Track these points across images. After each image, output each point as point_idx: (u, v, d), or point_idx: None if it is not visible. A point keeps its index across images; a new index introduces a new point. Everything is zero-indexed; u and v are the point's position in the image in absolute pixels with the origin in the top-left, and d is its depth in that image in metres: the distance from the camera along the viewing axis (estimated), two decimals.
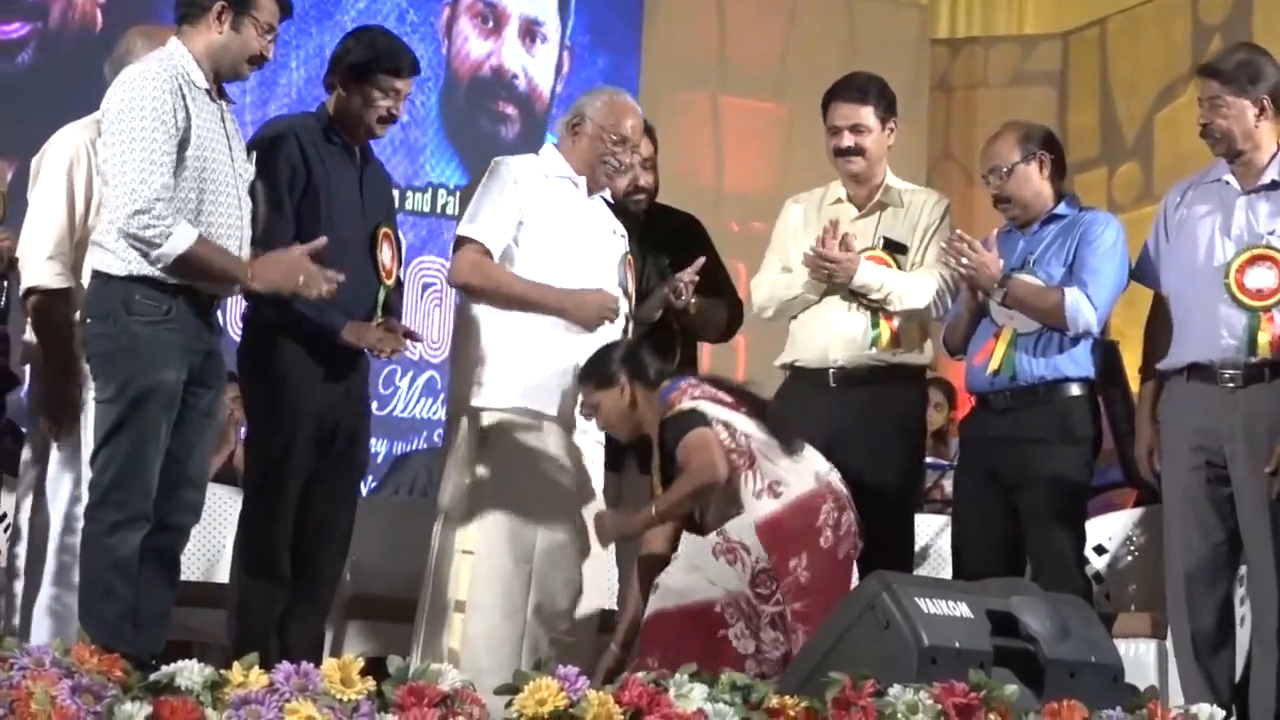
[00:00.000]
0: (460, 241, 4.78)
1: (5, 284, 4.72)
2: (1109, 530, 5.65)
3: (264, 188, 4.51)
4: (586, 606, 4.72)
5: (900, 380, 5.15)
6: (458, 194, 9.25)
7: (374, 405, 6.18)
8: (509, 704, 3.30)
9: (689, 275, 5.10)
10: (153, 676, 3.20)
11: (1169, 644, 4.90)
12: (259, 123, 5.21)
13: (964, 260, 4.91)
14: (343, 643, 5.36)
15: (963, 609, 3.72)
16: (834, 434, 5.00)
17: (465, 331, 4.80)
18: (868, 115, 5.16)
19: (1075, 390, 4.95)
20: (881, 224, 5.20)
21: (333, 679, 3.20)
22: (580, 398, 4.69)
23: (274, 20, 4.32)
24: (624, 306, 4.83)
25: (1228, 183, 4.82)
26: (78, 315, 4.37)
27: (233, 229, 4.25)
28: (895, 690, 3.45)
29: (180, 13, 4.29)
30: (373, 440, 6.40)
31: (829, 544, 4.46)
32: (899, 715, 3.41)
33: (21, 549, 4.72)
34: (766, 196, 8.02)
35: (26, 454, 4.77)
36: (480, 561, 4.63)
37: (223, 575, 5.29)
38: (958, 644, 3.63)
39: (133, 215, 4.05)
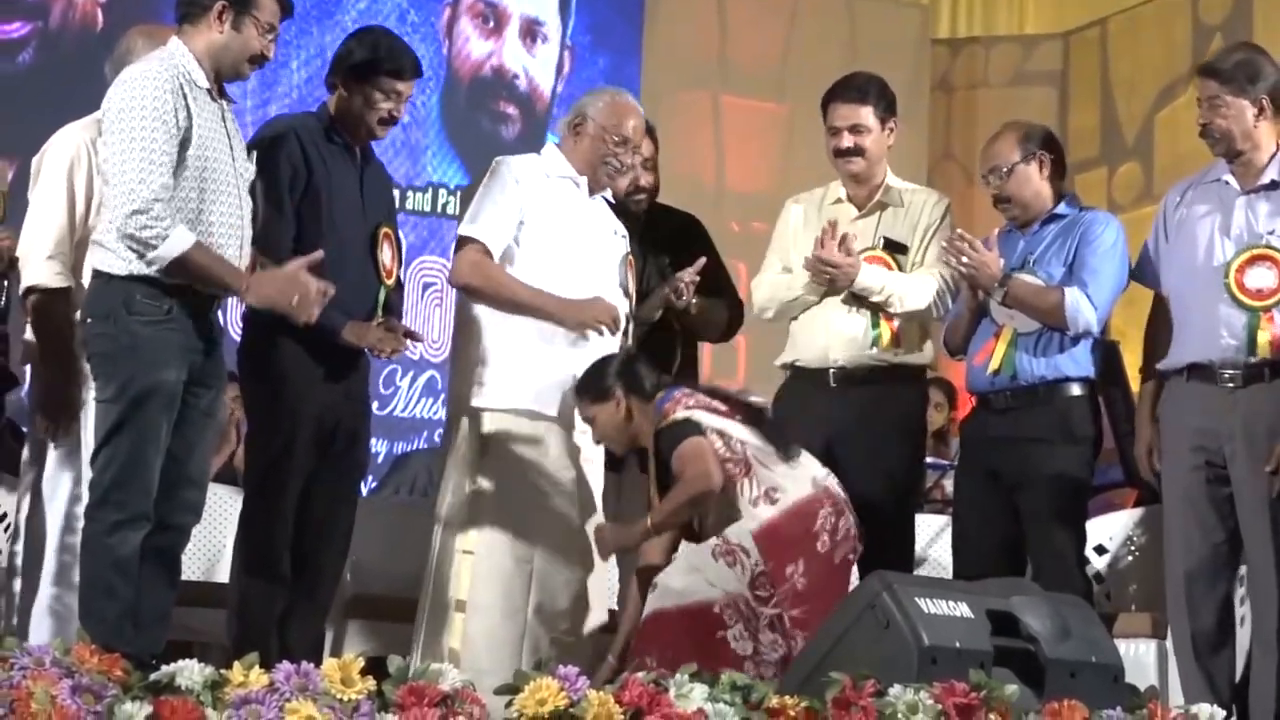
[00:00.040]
0: (461, 241, 4.77)
1: (5, 284, 4.72)
2: (1109, 530, 5.65)
3: (264, 187, 4.51)
4: (588, 608, 4.72)
5: (900, 380, 5.15)
6: (458, 194, 9.25)
7: (374, 405, 6.19)
8: (509, 704, 3.30)
9: (690, 275, 5.10)
10: (153, 676, 3.20)
11: (1169, 644, 4.90)
12: (260, 122, 5.22)
13: (964, 260, 4.91)
14: (343, 642, 5.36)
15: (963, 609, 3.71)
16: (834, 434, 5.01)
17: (466, 331, 4.80)
18: (867, 115, 5.17)
19: (1076, 390, 4.95)
20: (882, 224, 5.20)
21: (333, 679, 3.20)
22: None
23: (275, 20, 4.31)
24: (625, 311, 4.82)
25: (1227, 183, 4.82)
26: (78, 315, 4.37)
27: (234, 228, 4.25)
28: (895, 690, 3.45)
29: (181, 12, 4.29)
30: (373, 440, 6.40)
31: (826, 549, 4.45)
32: (899, 715, 3.41)
33: (21, 548, 4.72)
34: (767, 196, 8.02)
35: (27, 453, 4.77)
36: (480, 561, 4.63)
37: (223, 575, 5.29)
38: (958, 644, 3.63)
39: (130, 215, 4.04)
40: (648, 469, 4.70)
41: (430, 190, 9.34)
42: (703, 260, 5.13)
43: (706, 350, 6.53)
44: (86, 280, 4.31)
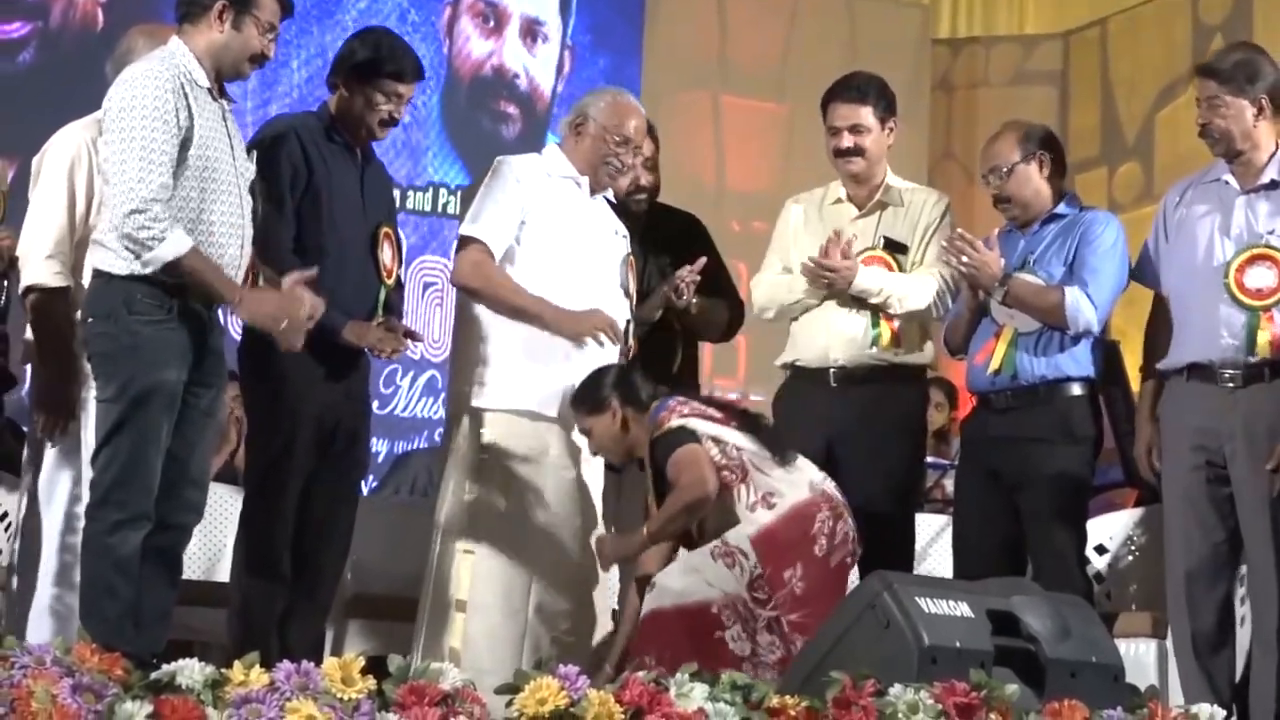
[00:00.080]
0: (463, 241, 4.77)
1: (5, 283, 4.72)
2: (1110, 530, 5.65)
3: (265, 187, 4.51)
4: (588, 608, 4.72)
5: (901, 380, 5.15)
6: (459, 193, 9.25)
7: (375, 404, 6.19)
8: (509, 703, 3.30)
9: (690, 274, 5.09)
10: (153, 675, 3.20)
11: (1169, 644, 4.90)
12: (260, 122, 5.22)
13: (965, 260, 4.91)
14: (343, 642, 5.37)
15: (963, 609, 3.71)
16: (835, 434, 5.01)
17: (466, 331, 4.79)
18: (867, 115, 5.17)
19: (1076, 390, 4.95)
20: (882, 223, 5.21)
21: (333, 678, 3.20)
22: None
23: (275, 19, 4.31)
24: (625, 317, 4.81)
25: (1227, 182, 4.82)
26: (78, 314, 4.37)
27: (235, 228, 4.25)
28: (896, 690, 3.45)
29: (181, 11, 4.29)
30: (373, 439, 6.41)
31: (823, 553, 4.45)
32: (900, 715, 3.41)
33: (17, 546, 4.72)
34: (767, 196, 8.02)
35: (27, 453, 4.77)
36: (481, 561, 4.63)
37: (224, 574, 5.29)
38: (958, 644, 3.63)
39: (129, 214, 4.04)
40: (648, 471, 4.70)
41: (431, 190, 9.34)
42: (703, 260, 5.13)
43: (707, 350, 6.52)
44: (86, 280, 4.31)
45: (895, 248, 5.15)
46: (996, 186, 5.08)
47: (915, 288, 5.08)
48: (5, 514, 5.26)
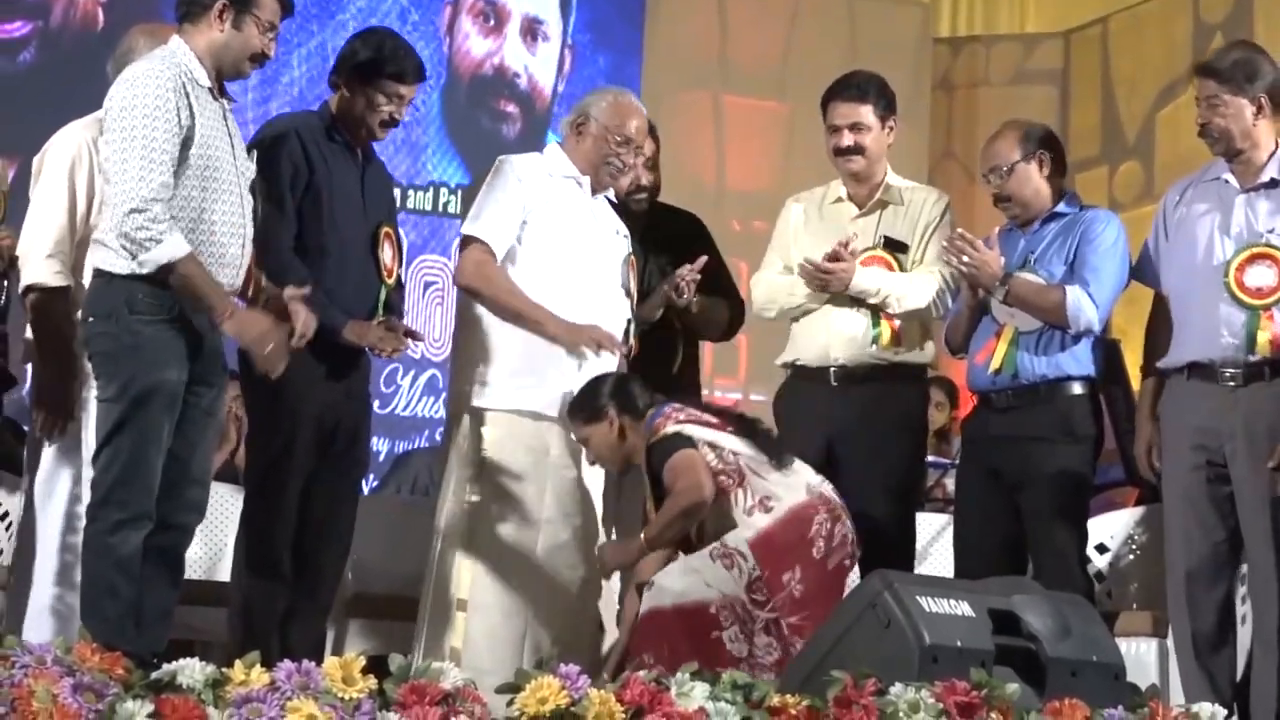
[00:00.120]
0: (465, 241, 4.77)
1: (5, 283, 4.72)
2: (1110, 529, 5.65)
3: (266, 186, 4.51)
4: (588, 608, 4.72)
5: (901, 379, 5.15)
6: (459, 192, 9.25)
7: (375, 404, 6.19)
8: (510, 702, 3.30)
9: (690, 273, 5.09)
10: (154, 675, 3.20)
11: (1170, 643, 4.90)
12: (260, 121, 5.22)
13: (965, 259, 4.91)
14: (344, 641, 5.37)
15: (964, 608, 3.71)
16: (835, 433, 5.01)
17: (467, 331, 4.80)
18: (867, 114, 5.17)
19: (1077, 389, 4.95)
20: (882, 222, 5.20)
21: (334, 677, 3.20)
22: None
23: (275, 18, 4.31)
24: (626, 316, 4.81)
25: (1227, 181, 4.82)
26: (78, 314, 4.37)
27: (235, 227, 4.25)
28: (897, 689, 3.45)
29: (181, 11, 4.29)
30: (374, 439, 6.41)
31: (821, 555, 4.45)
32: (900, 714, 3.41)
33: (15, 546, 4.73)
34: (768, 195, 8.01)
35: (27, 453, 4.77)
36: (482, 561, 4.63)
37: (224, 574, 5.29)
38: (959, 643, 3.63)
39: (128, 214, 4.04)
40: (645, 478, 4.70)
41: (431, 189, 9.34)
42: (704, 259, 5.13)
43: (708, 350, 6.52)
44: (87, 279, 4.31)
45: (895, 246, 5.15)
46: (997, 185, 5.08)
47: (914, 287, 5.08)
48: (5, 514, 5.27)
